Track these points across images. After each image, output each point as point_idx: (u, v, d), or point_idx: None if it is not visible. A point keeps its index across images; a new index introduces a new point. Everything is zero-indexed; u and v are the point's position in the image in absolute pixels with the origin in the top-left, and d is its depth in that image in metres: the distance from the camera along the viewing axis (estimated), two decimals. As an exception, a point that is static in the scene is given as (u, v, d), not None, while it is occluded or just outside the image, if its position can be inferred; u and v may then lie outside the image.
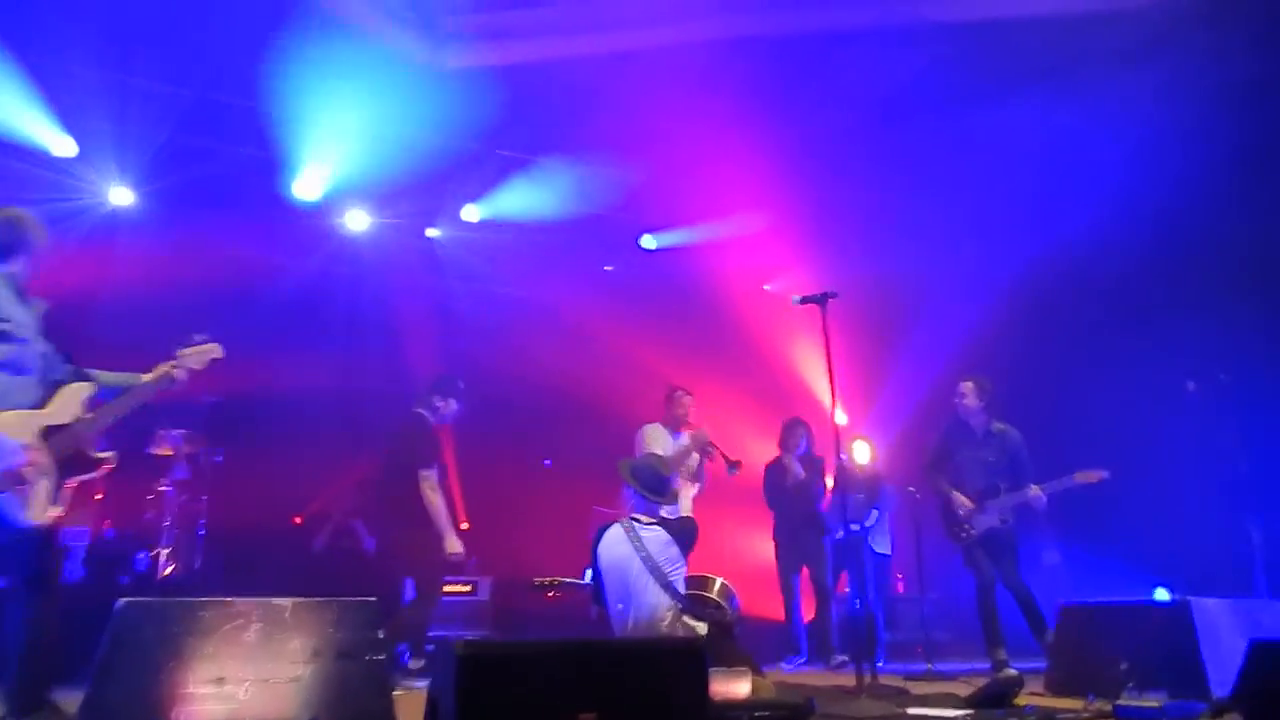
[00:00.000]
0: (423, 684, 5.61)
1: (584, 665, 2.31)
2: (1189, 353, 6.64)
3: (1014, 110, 7.03)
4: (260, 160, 7.86)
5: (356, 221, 8.79)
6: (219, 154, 7.73)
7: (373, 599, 2.98)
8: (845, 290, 4.73)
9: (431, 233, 9.18)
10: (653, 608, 4.62)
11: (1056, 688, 4.56)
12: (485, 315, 9.40)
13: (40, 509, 3.33)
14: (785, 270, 10.00)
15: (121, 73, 7.00)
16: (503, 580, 7.54)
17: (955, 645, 7.42)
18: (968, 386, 6.09)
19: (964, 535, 5.94)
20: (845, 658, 6.57)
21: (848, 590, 7.58)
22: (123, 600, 2.73)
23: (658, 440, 6.39)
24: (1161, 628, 4.29)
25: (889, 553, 8.01)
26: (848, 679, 4.80)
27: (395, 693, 2.99)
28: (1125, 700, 3.51)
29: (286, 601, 2.83)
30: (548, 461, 9.27)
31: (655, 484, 4.97)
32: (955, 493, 6.00)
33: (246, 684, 2.67)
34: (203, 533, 7.40)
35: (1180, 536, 6.93)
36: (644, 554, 4.73)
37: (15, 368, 3.53)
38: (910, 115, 7.46)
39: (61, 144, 7.45)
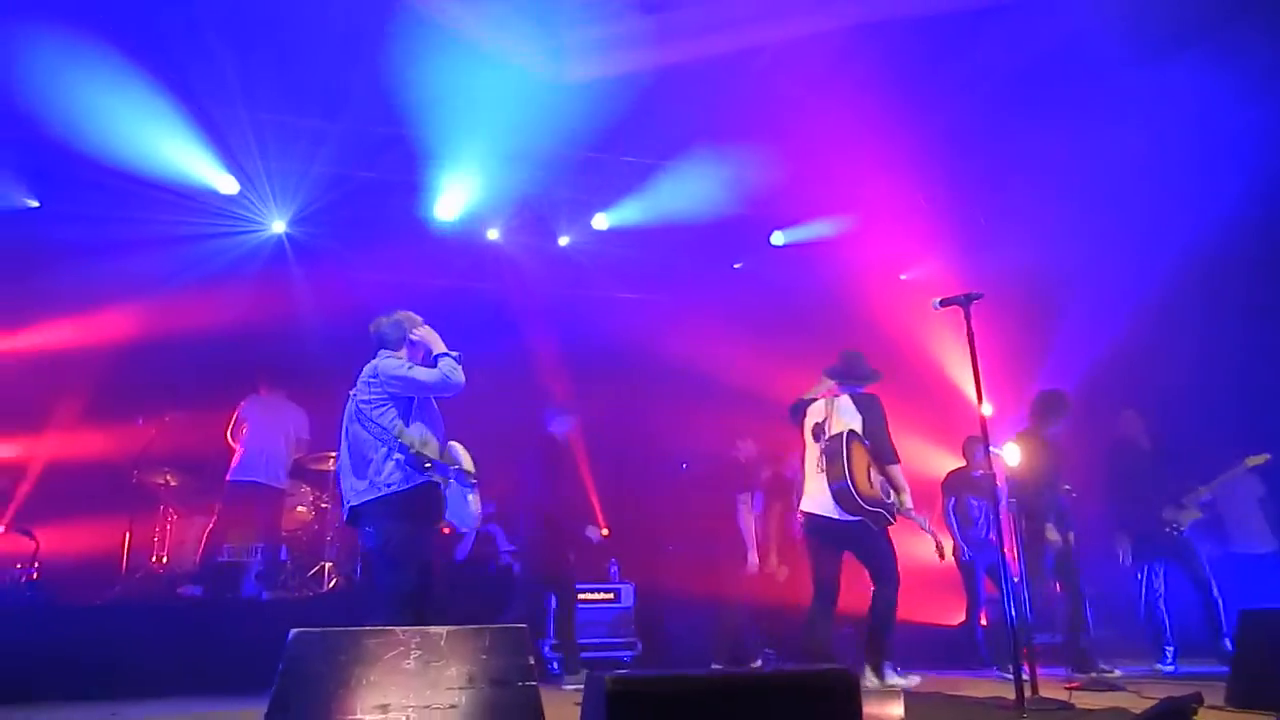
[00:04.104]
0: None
1: (733, 699, 2.30)
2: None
3: (1159, 83, 6.61)
4: (403, 184, 8.23)
5: (492, 236, 9.10)
6: (365, 181, 8.16)
7: (522, 625, 3.06)
8: (987, 285, 4.58)
9: (563, 242, 9.36)
10: None
11: (1240, 701, 4.25)
12: (616, 320, 9.51)
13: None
14: (921, 260, 9.68)
15: (275, 112, 7.46)
16: (644, 587, 7.62)
17: (1114, 644, 7.15)
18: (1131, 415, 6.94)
19: (1169, 531, 6.54)
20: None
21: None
22: (294, 630, 2.89)
23: None
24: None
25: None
26: (1005, 688, 4.58)
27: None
28: (1321, 721, 3.23)
29: (442, 630, 2.94)
30: (685, 464, 9.28)
31: None
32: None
33: (409, 710, 2.80)
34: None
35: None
36: None
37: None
38: (1047, 95, 7.10)
39: (224, 182, 8.02)
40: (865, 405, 5.43)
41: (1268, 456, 6.30)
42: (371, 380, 4.39)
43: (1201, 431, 7.24)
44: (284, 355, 8.08)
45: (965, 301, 4.12)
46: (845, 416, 5.41)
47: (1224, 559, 7.22)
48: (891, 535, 5.53)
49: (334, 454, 7.35)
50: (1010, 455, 5.47)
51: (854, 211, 9.04)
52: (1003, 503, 5.39)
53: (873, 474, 5.29)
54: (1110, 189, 7.73)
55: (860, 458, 5.26)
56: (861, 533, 5.30)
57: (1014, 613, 4.40)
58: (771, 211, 9.29)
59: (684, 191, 8.67)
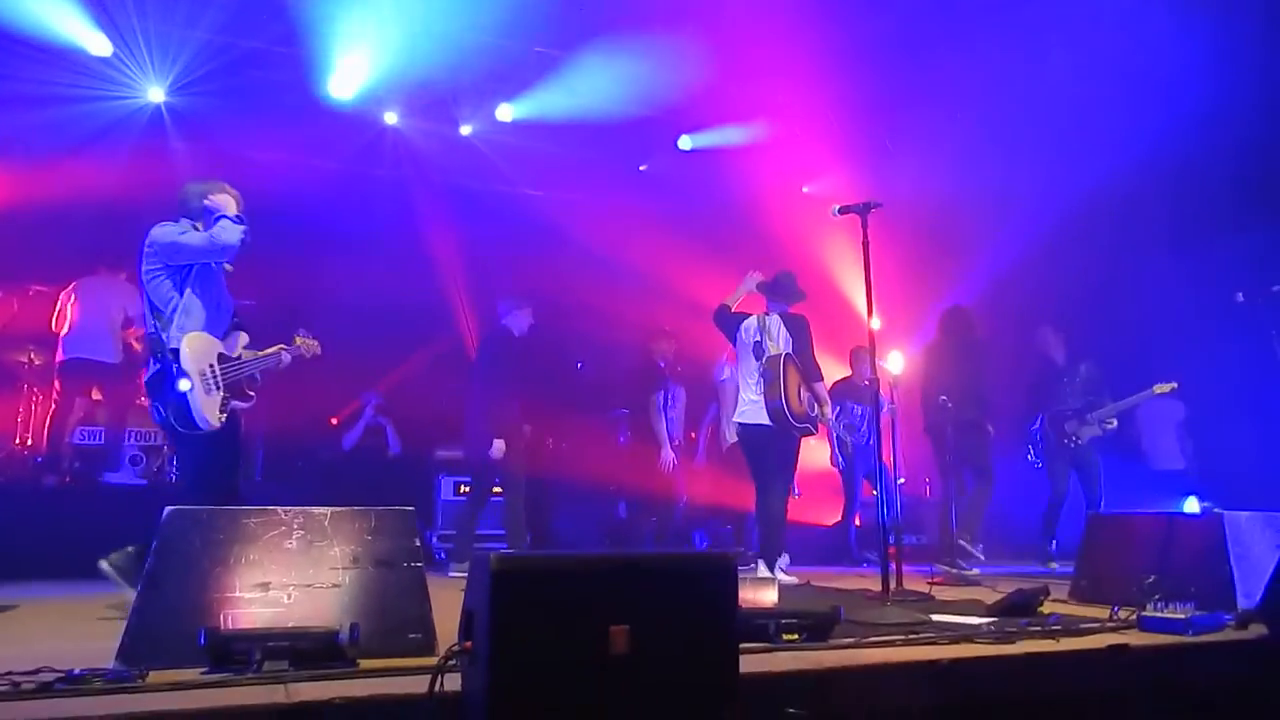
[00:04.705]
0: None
1: (616, 578, 2.34)
2: (1241, 265, 6.49)
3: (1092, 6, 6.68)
4: (294, 57, 7.76)
5: (390, 120, 8.72)
6: (253, 52, 7.65)
7: (409, 508, 3.05)
8: (890, 199, 4.67)
9: (465, 130, 9.04)
10: None
11: (1082, 596, 4.61)
12: (518, 215, 9.34)
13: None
14: (825, 173, 9.77)
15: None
16: (532, 480, 7.70)
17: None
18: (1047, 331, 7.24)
19: (1067, 443, 6.90)
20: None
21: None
22: (170, 508, 2.82)
23: None
24: (1192, 540, 4.29)
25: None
26: (874, 581, 4.88)
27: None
28: (1151, 611, 3.54)
29: (325, 510, 2.91)
30: (580, 363, 9.33)
31: None
32: None
33: (290, 589, 2.78)
34: (243, 432, 7.60)
35: (1219, 448, 6.94)
36: None
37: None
38: (973, 11, 7.10)
39: (97, 42, 7.39)
40: (796, 326, 5.92)
41: (1175, 385, 6.69)
42: (147, 249, 4.10)
43: (1114, 354, 7.51)
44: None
45: (864, 210, 4.20)
46: (779, 337, 5.89)
47: (1142, 474, 7.74)
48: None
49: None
50: (895, 365, 5.69)
51: (762, 120, 9.00)
52: (884, 410, 5.63)
53: (801, 392, 5.81)
54: (1030, 112, 7.80)
55: (793, 379, 5.76)
56: (783, 440, 5.84)
57: (886, 513, 4.64)
58: (680, 115, 9.16)
59: (593, 87, 8.45)
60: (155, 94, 7.98)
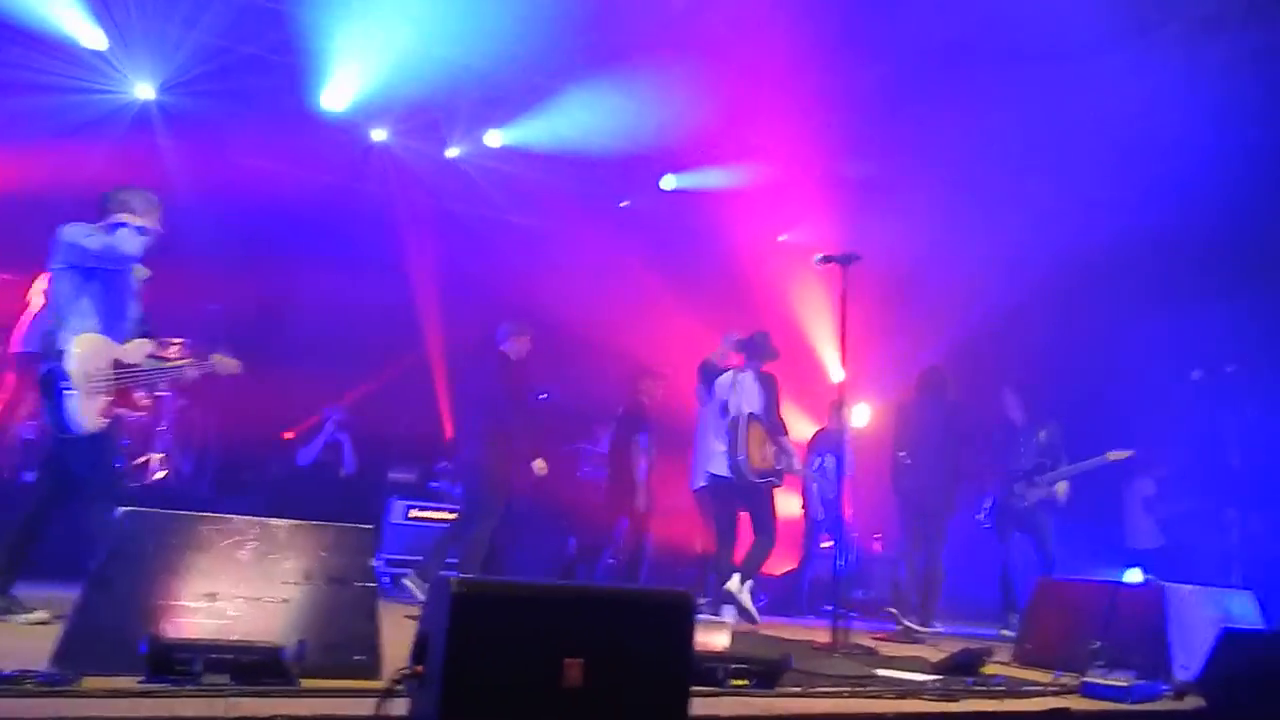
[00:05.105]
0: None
1: (575, 611, 2.34)
2: (1199, 342, 6.64)
3: (1060, 80, 6.84)
4: (288, 66, 7.76)
5: (378, 136, 8.73)
6: (247, 57, 7.65)
7: (367, 526, 3.03)
8: (865, 251, 4.73)
9: (451, 153, 9.07)
10: None
11: (1026, 659, 4.66)
12: (497, 240, 9.36)
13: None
14: (801, 223, 9.90)
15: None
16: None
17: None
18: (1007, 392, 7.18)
19: (1017, 505, 6.86)
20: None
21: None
22: (122, 509, 2.78)
23: None
24: (1134, 610, 4.37)
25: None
26: (820, 633, 4.95)
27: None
28: (1093, 677, 3.60)
29: (283, 523, 2.89)
30: (544, 394, 9.29)
31: None
32: None
33: (238, 601, 2.74)
34: (195, 440, 7.53)
35: (1166, 520, 7.03)
36: None
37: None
38: (953, 74, 7.21)
39: (91, 35, 7.35)
40: (766, 384, 6.18)
41: (1131, 452, 6.70)
42: (55, 247, 4.05)
43: (1082, 420, 7.48)
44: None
45: (845, 261, 4.30)
46: (747, 396, 6.12)
47: (1120, 552, 7.75)
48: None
49: (177, 340, 7.00)
50: (859, 418, 5.77)
51: (743, 165, 9.11)
52: (846, 463, 5.70)
53: (766, 447, 6.02)
54: (1011, 174, 7.93)
55: (755, 436, 5.97)
56: (752, 492, 6.04)
57: (842, 566, 4.69)
58: (665, 155, 9.25)
59: (581, 120, 8.52)
60: (145, 91, 7.93)
